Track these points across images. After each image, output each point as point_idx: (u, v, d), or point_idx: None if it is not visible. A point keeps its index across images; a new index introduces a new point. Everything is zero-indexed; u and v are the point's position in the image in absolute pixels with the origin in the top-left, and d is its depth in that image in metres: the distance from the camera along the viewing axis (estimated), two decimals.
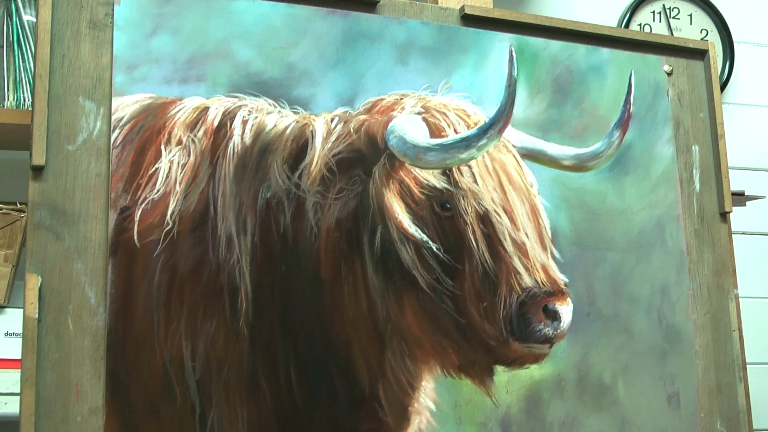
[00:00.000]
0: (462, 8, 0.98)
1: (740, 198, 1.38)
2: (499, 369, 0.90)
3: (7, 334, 1.26)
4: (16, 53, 1.33)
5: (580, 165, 0.99)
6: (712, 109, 1.10)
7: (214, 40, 0.86)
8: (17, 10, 1.34)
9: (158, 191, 0.80)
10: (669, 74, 1.09)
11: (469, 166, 0.89)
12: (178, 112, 0.83)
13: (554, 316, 0.87)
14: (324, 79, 0.89)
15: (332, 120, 0.88)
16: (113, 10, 0.82)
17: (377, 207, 0.87)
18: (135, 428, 0.76)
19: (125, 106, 0.81)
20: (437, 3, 1.00)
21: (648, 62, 1.07)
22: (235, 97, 0.85)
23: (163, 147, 0.82)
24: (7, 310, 1.30)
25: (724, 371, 1.03)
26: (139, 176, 0.80)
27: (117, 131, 0.80)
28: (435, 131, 0.90)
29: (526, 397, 0.92)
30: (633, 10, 1.69)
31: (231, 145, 0.84)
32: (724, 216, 1.08)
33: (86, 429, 0.74)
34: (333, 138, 0.87)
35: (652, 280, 1.02)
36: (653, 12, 1.70)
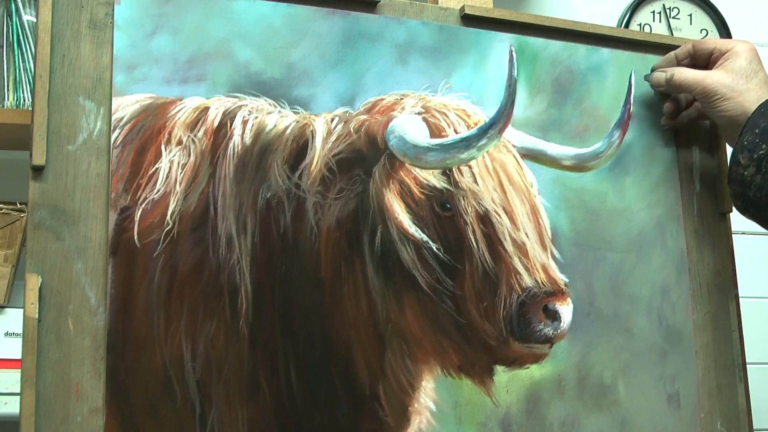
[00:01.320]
0: (462, 8, 0.98)
1: None
2: (499, 369, 0.90)
3: (7, 334, 1.27)
4: (16, 53, 1.34)
5: (580, 165, 0.99)
6: None
7: (214, 40, 0.86)
8: (17, 10, 1.34)
9: (158, 191, 0.80)
10: None
11: (469, 166, 0.89)
12: (178, 112, 0.83)
13: (554, 316, 0.87)
14: (324, 79, 0.89)
15: (332, 120, 0.88)
16: (113, 10, 0.82)
17: (377, 207, 0.87)
18: (135, 428, 0.76)
19: (125, 106, 0.81)
20: (437, 3, 1.00)
21: (648, 62, 1.07)
22: (236, 97, 0.85)
23: (163, 147, 0.82)
24: (7, 310, 1.30)
25: (724, 371, 1.03)
26: (139, 176, 0.80)
27: (117, 131, 0.80)
28: (435, 131, 0.90)
29: (526, 397, 0.92)
30: (633, 10, 1.69)
31: (231, 145, 0.84)
32: (724, 216, 1.08)
33: (86, 429, 0.74)
34: (333, 138, 0.87)
35: (652, 280, 1.02)
36: (653, 12, 1.70)
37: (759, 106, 0.94)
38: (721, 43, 1.01)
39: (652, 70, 1.05)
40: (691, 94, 1.02)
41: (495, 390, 0.90)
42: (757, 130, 0.91)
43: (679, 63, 1.04)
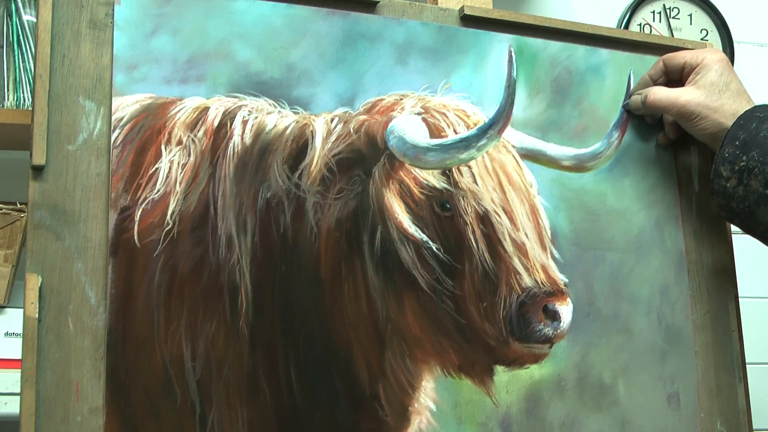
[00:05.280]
0: (461, 9, 0.98)
1: None
2: (499, 369, 0.90)
3: (7, 334, 1.27)
4: (16, 53, 1.34)
5: (579, 165, 0.99)
6: None
7: (214, 40, 0.86)
8: (17, 10, 1.35)
9: (158, 191, 0.80)
10: None
11: (469, 167, 0.89)
12: (178, 112, 0.83)
13: (554, 316, 0.87)
14: (324, 80, 0.89)
15: (332, 120, 0.88)
16: (113, 10, 0.82)
17: (377, 207, 0.87)
18: (135, 428, 0.76)
19: (125, 106, 0.81)
20: (437, 3, 1.00)
21: (647, 63, 1.07)
22: (235, 97, 0.85)
23: (163, 147, 0.82)
24: (7, 310, 1.30)
25: (724, 371, 1.03)
26: (139, 176, 0.80)
27: (117, 131, 0.80)
28: (435, 131, 0.90)
29: (526, 397, 0.92)
30: (633, 10, 1.69)
31: (231, 145, 0.84)
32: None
33: (86, 429, 0.74)
34: (333, 138, 0.87)
35: (651, 281, 1.02)
36: (653, 12, 1.71)
37: (738, 118, 0.93)
38: (691, 57, 0.99)
39: (630, 95, 1.04)
40: (667, 114, 1.01)
41: (495, 390, 0.90)
42: (737, 143, 0.91)
43: (654, 82, 1.02)
